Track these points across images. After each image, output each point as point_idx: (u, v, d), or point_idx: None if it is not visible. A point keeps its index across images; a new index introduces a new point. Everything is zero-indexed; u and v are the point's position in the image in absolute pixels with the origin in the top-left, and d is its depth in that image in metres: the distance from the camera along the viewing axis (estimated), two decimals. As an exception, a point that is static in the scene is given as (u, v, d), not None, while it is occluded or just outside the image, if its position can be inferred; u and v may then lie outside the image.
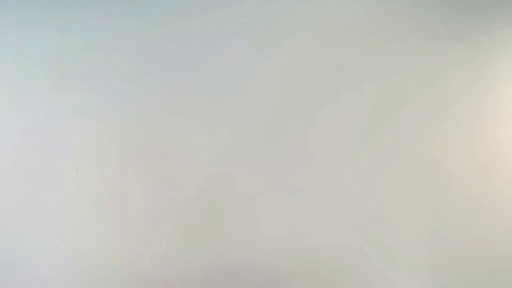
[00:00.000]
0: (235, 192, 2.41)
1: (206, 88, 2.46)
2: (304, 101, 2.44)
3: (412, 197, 2.41)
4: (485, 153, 2.42)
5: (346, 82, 2.44)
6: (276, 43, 2.46)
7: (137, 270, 2.39)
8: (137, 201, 2.42)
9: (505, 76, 2.45)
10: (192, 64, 2.46)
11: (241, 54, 2.46)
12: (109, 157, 2.43)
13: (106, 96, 2.45)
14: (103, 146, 2.43)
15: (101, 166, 2.42)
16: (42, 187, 2.41)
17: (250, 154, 2.43)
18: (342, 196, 2.41)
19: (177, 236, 2.40)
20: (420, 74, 2.45)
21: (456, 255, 2.39)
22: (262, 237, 2.40)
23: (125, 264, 2.40)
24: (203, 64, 2.46)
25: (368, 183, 2.42)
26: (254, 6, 2.47)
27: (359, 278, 2.39)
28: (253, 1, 2.47)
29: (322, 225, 2.40)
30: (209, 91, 2.45)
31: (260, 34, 2.46)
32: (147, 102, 2.45)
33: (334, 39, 2.47)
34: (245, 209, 2.40)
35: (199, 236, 2.41)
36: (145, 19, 2.47)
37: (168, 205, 2.41)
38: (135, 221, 2.42)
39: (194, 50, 2.46)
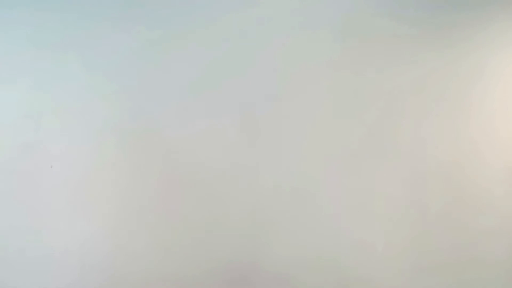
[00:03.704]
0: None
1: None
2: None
3: (388, 192, 2.45)
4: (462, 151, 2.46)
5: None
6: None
7: (114, 266, 2.39)
8: (114, 197, 2.42)
9: (488, 74, 2.48)
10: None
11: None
12: (84, 153, 2.42)
13: (81, 93, 2.45)
14: (78, 143, 2.42)
15: (76, 162, 2.41)
16: (17, 184, 2.40)
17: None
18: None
19: (156, 233, 2.42)
20: (401, 74, 2.49)
21: (436, 260, 2.42)
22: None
23: (102, 260, 2.39)
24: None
25: (349, 180, 2.46)
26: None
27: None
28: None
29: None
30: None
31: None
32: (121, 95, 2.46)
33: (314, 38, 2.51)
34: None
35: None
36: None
37: (147, 199, 2.41)
38: (112, 217, 2.42)
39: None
